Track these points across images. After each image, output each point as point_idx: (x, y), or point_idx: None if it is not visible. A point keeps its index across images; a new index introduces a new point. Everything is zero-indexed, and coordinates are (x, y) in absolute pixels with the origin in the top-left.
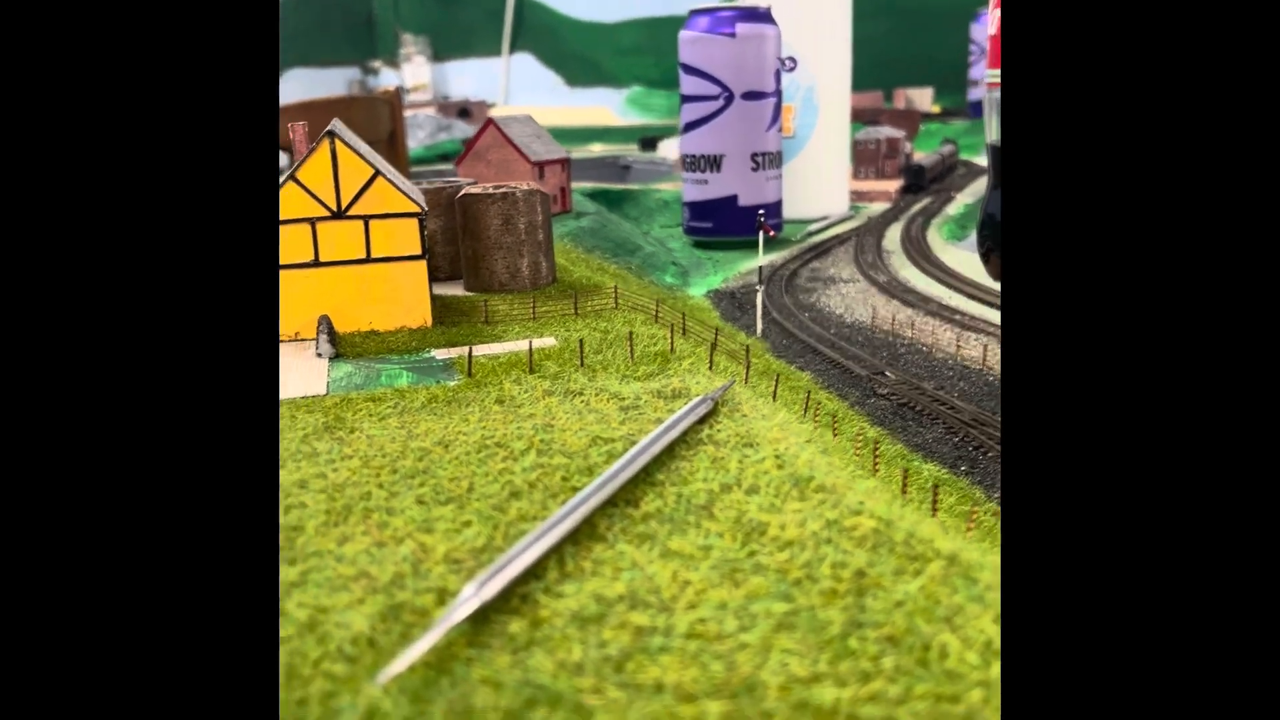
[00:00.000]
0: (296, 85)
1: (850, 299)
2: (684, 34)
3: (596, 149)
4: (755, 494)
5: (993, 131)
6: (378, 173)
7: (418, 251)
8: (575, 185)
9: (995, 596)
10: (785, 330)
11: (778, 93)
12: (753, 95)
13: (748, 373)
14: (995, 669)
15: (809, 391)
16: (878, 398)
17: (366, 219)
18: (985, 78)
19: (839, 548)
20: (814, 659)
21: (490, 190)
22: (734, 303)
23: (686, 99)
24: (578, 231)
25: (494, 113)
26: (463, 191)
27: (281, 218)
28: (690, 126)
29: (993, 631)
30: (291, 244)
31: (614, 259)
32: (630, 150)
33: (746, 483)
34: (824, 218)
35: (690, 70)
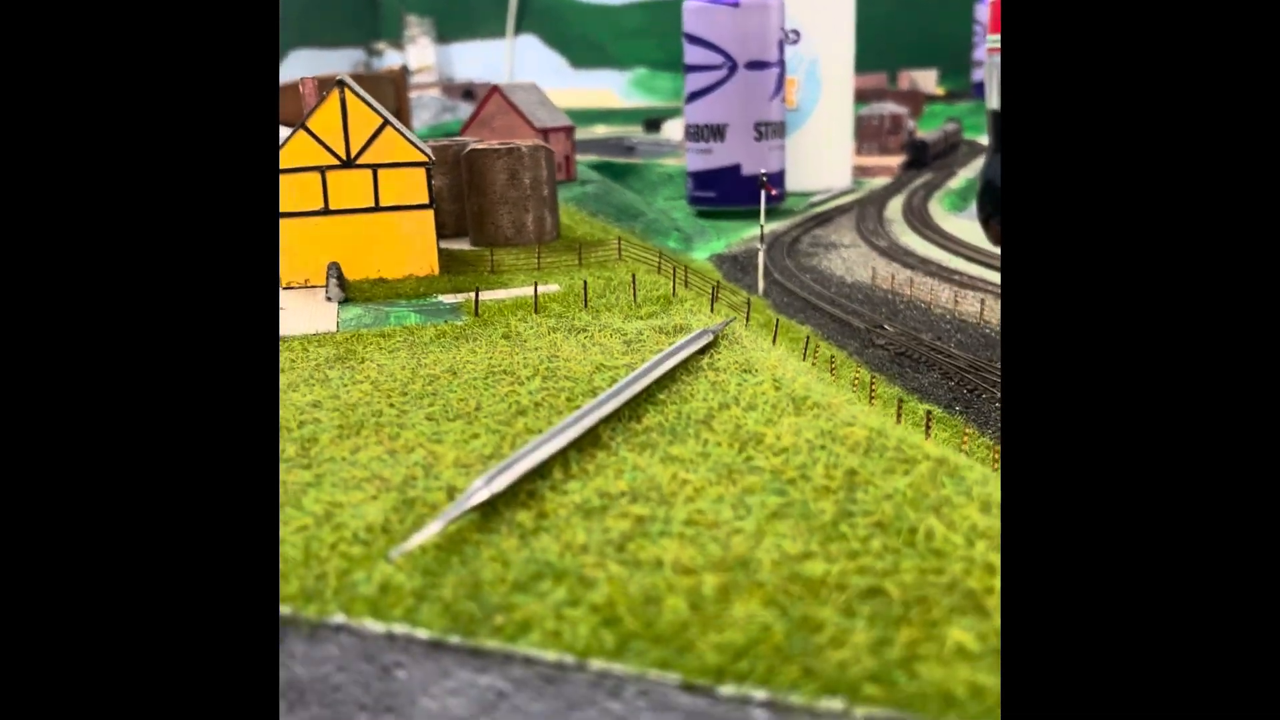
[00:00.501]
0: (300, 66)
1: (851, 262)
2: (688, 4)
3: (600, 130)
4: (753, 410)
5: (993, 98)
6: (386, 122)
7: (425, 200)
8: (580, 158)
9: (982, 491)
10: (786, 289)
11: (781, 63)
12: (756, 65)
13: (748, 318)
14: (979, 548)
15: (809, 337)
16: (875, 347)
17: (375, 168)
18: (986, 43)
19: (832, 452)
20: (806, 541)
21: (496, 146)
22: (736, 265)
23: (690, 69)
24: (582, 197)
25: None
26: (469, 147)
27: (292, 166)
28: (694, 96)
29: (978, 519)
30: (301, 192)
31: (618, 223)
32: (635, 131)
33: (745, 401)
34: (826, 190)
35: (694, 40)
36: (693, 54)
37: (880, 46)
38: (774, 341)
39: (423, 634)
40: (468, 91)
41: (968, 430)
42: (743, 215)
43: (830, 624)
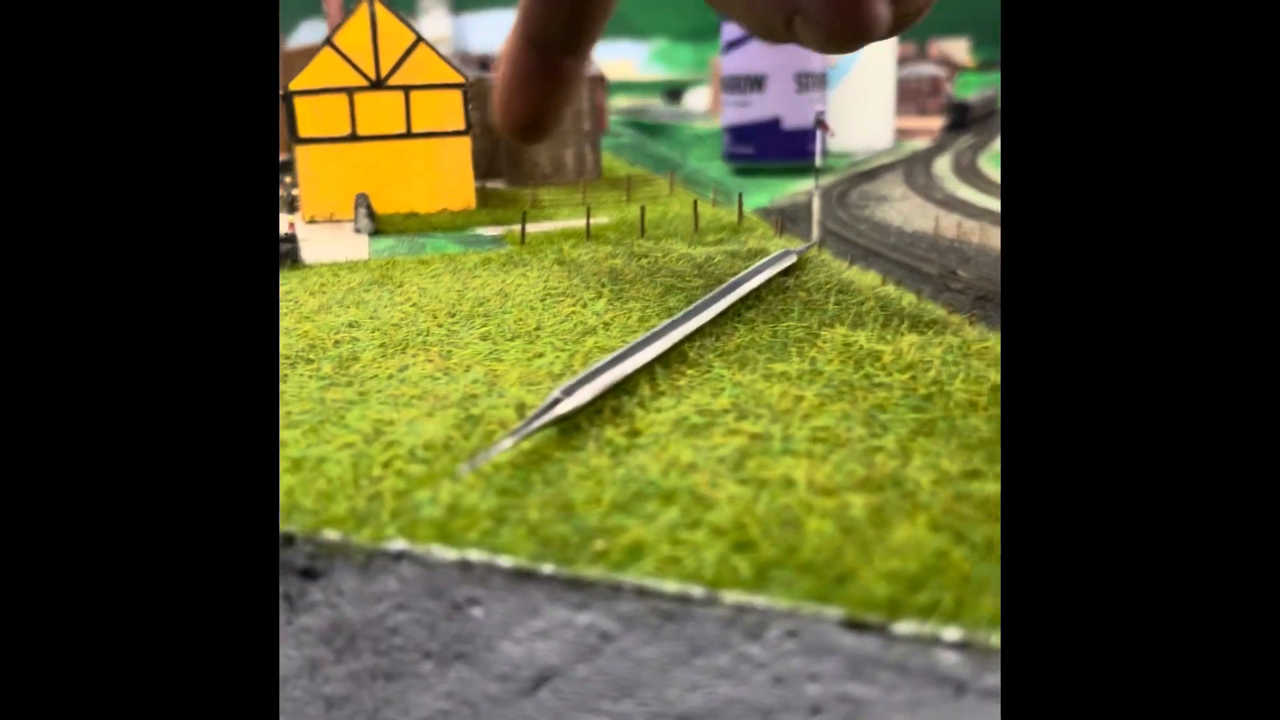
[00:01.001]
0: (311, 36)
1: (907, 213)
2: None
3: (621, 102)
4: (861, 328)
5: None
6: (420, 39)
7: (461, 126)
8: (614, 118)
9: None
10: (843, 238)
11: None
12: None
13: (819, 249)
14: None
15: (884, 277)
16: (952, 292)
17: (407, 89)
18: None
19: (969, 368)
20: (966, 459)
21: None
22: (784, 218)
23: None
24: (618, 147)
25: None
26: None
27: (317, 86)
28: (732, 46)
29: None
30: (326, 116)
31: (657, 171)
32: (655, 104)
33: (849, 319)
34: (867, 150)
35: None
36: None
37: None
38: (849, 263)
39: (505, 562)
40: (483, 63)
41: None
42: (783, 172)
43: None
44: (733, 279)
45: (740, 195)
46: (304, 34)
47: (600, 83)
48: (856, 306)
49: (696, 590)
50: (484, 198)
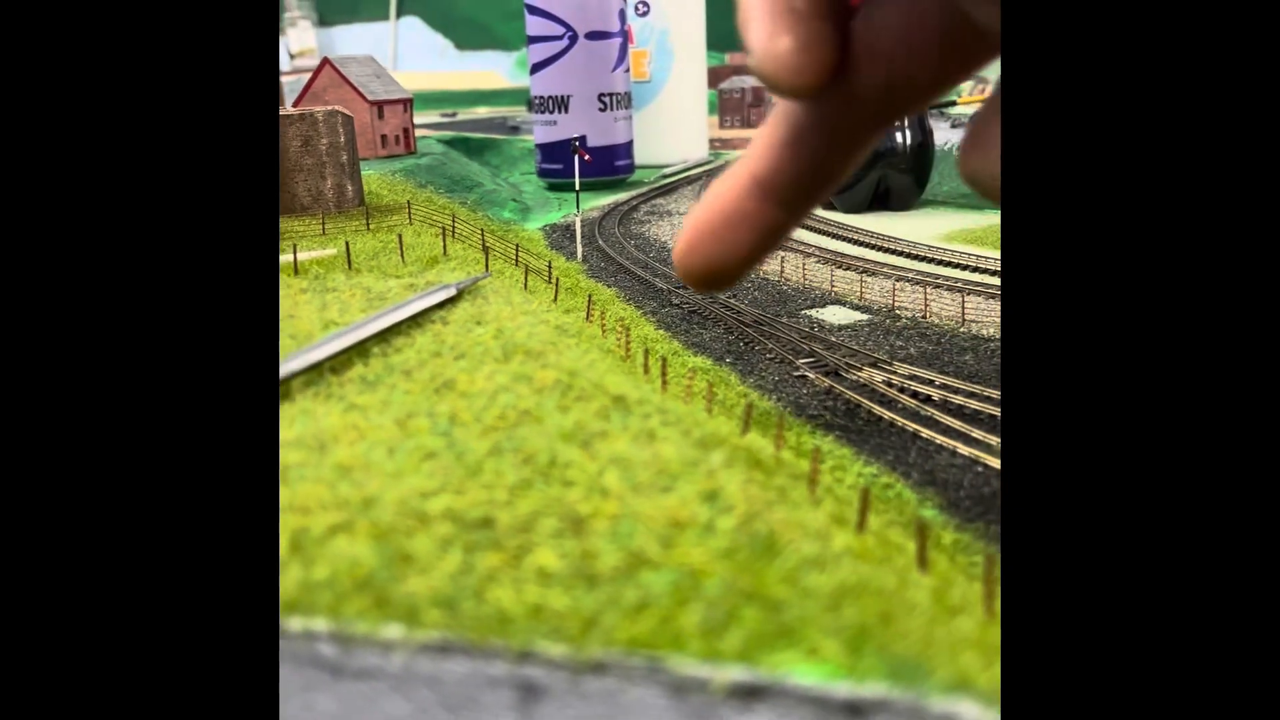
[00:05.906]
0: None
1: (680, 228)
2: None
3: (483, 111)
4: (462, 359)
5: None
6: None
7: None
8: (438, 134)
9: (642, 424)
10: (605, 254)
11: (623, 33)
12: (596, 35)
13: (526, 280)
14: (609, 477)
15: (590, 294)
16: (672, 306)
17: None
18: None
19: (516, 394)
20: (443, 479)
21: (289, 111)
22: (568, 235)
23: (532, 40)
24: (414, 169)
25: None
26: None
27: None
28: (537, 68)
29: (620, 448)
30: None
31: (449, 194)
32: (519, 112)
33: (458, 350)
34: (681, 162)
35: (534, 11)
36: (534, 25)
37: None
38: (555, 300)
39: None
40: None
41: (728, 385)
42: (592, 187)
43: (423, 555)
44: (374, 314)
45: (444, 228)
46: None
47: (406, 105)
48: (476, 338)
49: None
50: None
